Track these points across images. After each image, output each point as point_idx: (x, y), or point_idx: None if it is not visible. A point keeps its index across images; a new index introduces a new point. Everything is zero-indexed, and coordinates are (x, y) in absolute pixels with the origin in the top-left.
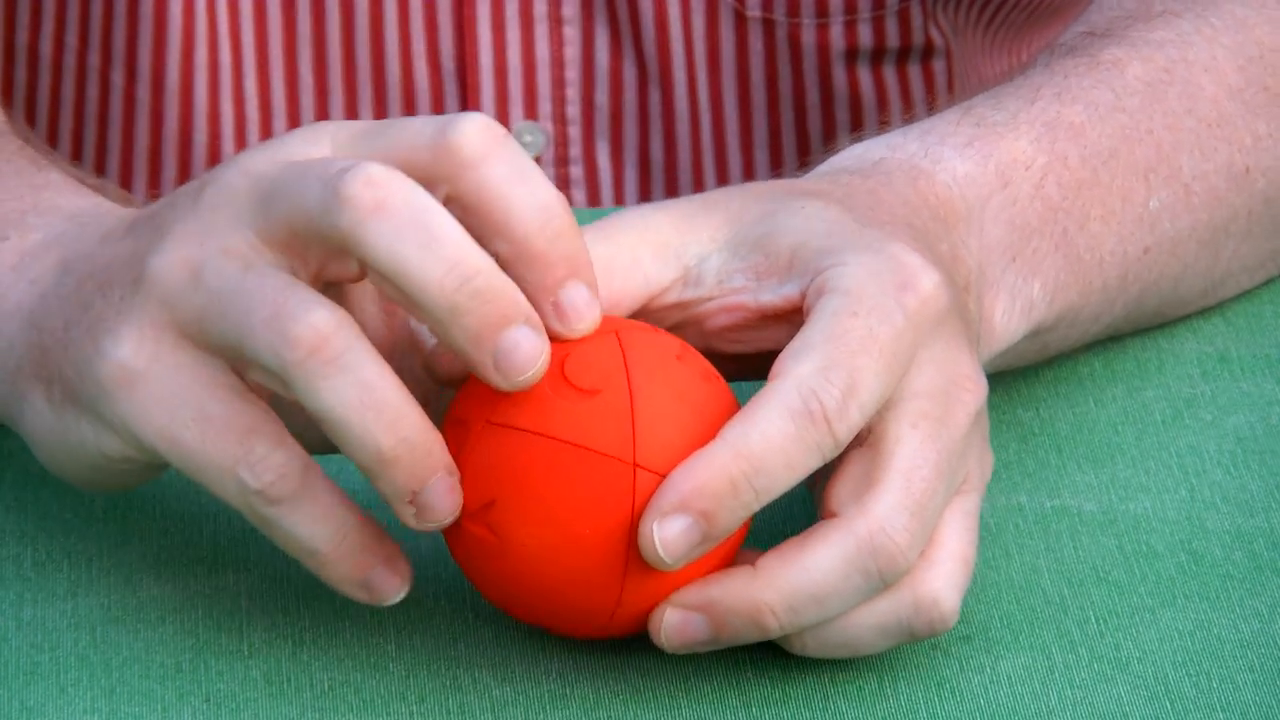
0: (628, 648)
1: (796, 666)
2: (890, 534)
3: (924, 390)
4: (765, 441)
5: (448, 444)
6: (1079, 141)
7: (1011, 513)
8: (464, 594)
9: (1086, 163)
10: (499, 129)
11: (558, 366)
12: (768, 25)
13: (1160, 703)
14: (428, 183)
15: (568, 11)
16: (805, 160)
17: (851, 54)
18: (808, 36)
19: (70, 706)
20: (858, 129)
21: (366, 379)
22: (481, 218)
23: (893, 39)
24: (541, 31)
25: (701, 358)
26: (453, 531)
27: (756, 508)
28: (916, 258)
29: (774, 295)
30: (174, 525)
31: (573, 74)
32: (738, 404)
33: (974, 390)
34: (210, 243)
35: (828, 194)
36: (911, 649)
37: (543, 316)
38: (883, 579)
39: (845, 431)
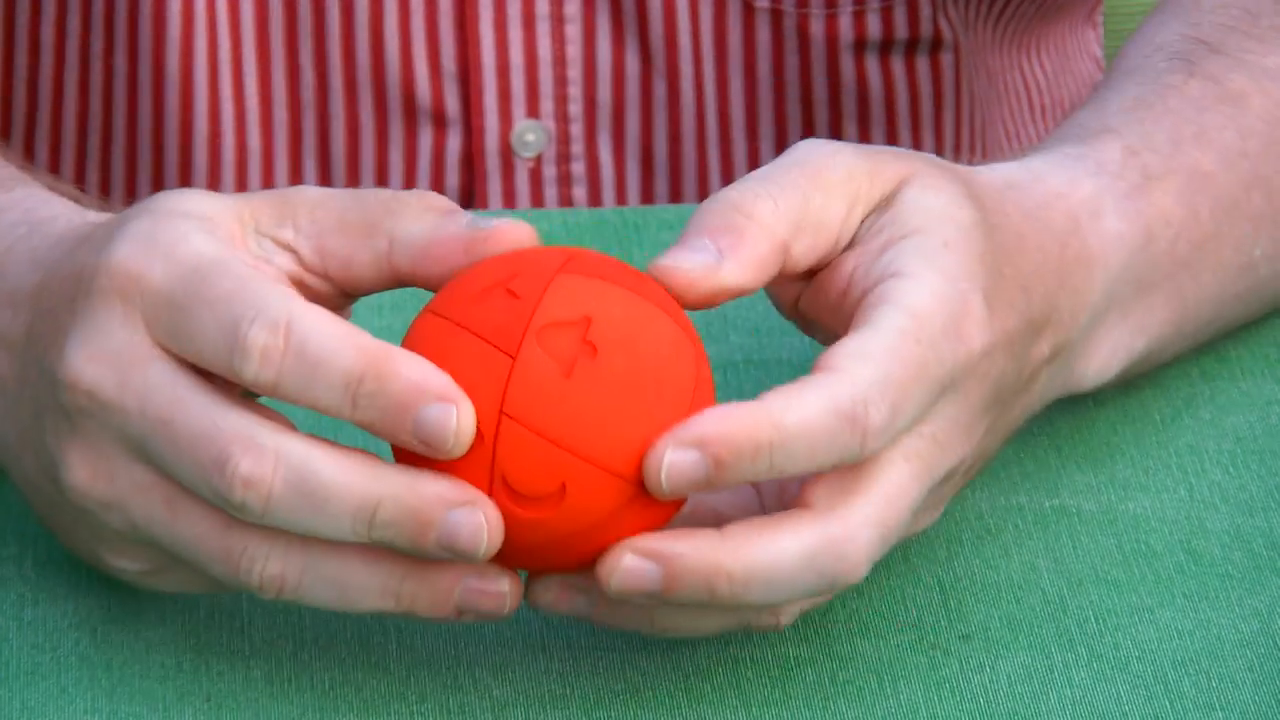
0: (628, 648)
1: (796, 666)
2: (856, 545)
3: (929, 433)
4: (802, 424)
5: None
6: (1210, 192)
7: (1011, 512)
8: None
9: (1213, 215)
10: (278, 337)
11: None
12: (776, 16)
13: (1159, 702)
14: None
15: (570, 10)
16: None
17: (860, 46)
18: (816, 27)
19: (71, 706)
20: (864, 123)
21: (338, 579)
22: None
23: (901, 30)
24: (544, 30)
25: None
26: None
27: (761, 478)
28: (982, 312)
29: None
30: None
31: (575, 72)
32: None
33: (964, 455)
34: (118, 478)
35: (980, 206)
36: (911, 649)
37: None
38: (832, 585)
39: (874, 448)
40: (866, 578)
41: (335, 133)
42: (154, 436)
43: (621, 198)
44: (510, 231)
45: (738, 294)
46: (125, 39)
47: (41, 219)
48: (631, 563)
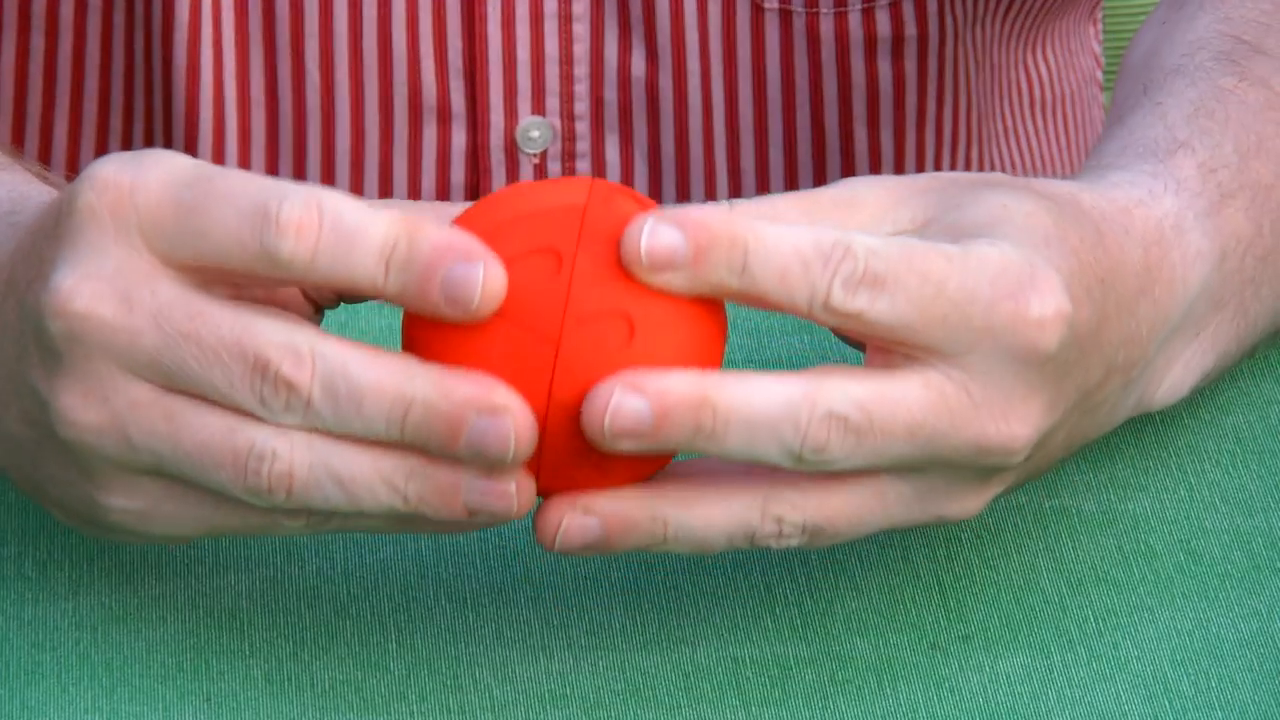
0: (628, 648)
1: (796, 666)
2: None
3: (961, 380)
4: (780, 246)
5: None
6: (1271, 204)
7: (1010, 512)
8: (464, 594)
9: (1274, 229)
10: (313, 211)
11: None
12: (785, 16)
13: (1159, 702)
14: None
15: (578, 8)
16: (820, 154)
17: (870, 44)
18: (825, 26)
19: (71, 706)
20: (874, 122)
21: (343, 474)
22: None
23: (910, 26)
24: (551, 28)
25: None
26: None
27: (732, 281)
28: (1054, 282)
29: None
30: None
31: (581, 70)
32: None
33: (1017, 434)
34: (115, 400)
35: (1057, 221)
36: (911, 649)
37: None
38: (803, 443)
39: (840, 294)
40: (866, 577)
41: (340, 127)
42: (174, 352)
43: None
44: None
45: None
46: (133, 31)
47: (26, 195)
48: (621, 398)
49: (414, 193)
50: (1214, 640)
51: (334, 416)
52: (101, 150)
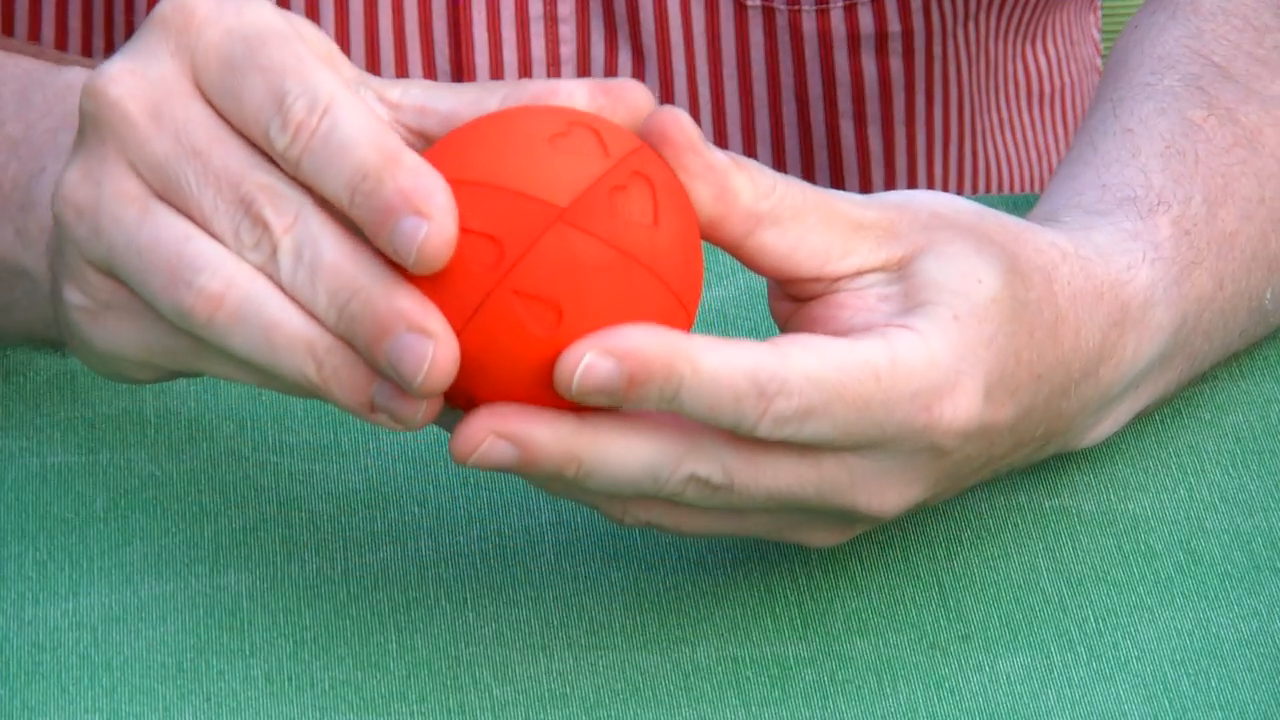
0: (628, 647)
1: (796, 666)
2: (690, 501)
3: (850, 463)
4: (716, 373)
5: (486, 209)
6: (1234, 255)
7: (1010, 512)
8: (464, 594)
9: (1234, 278)
10: (314, 116)
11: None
12: (768, 14)
13: (1159, 701)
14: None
15: (563, 10)
16: (807, 151)
17: (853, 40)
18: (808, 23)
19: (71, 706)
20: (860, 118)
21: (271, 320)
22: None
23: (893, 23)
24: (537, 30)
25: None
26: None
27: (663, 409)
28: (973, 399)
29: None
30: (175, 525)
31: (569, 72)
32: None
33: (875, 506)
34: (105, 185)
35: (1021, 282)
36: (910, 648)
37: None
38: (738, 422)
39: (766, 432)
40: (866, 577)
41: None
42: (180, 164)
43: None
44: (631, 91)
45: (709, 178)
46: (124, 38)
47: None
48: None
49: None
50: (1214, 640)
51: (290, 272)
52: None
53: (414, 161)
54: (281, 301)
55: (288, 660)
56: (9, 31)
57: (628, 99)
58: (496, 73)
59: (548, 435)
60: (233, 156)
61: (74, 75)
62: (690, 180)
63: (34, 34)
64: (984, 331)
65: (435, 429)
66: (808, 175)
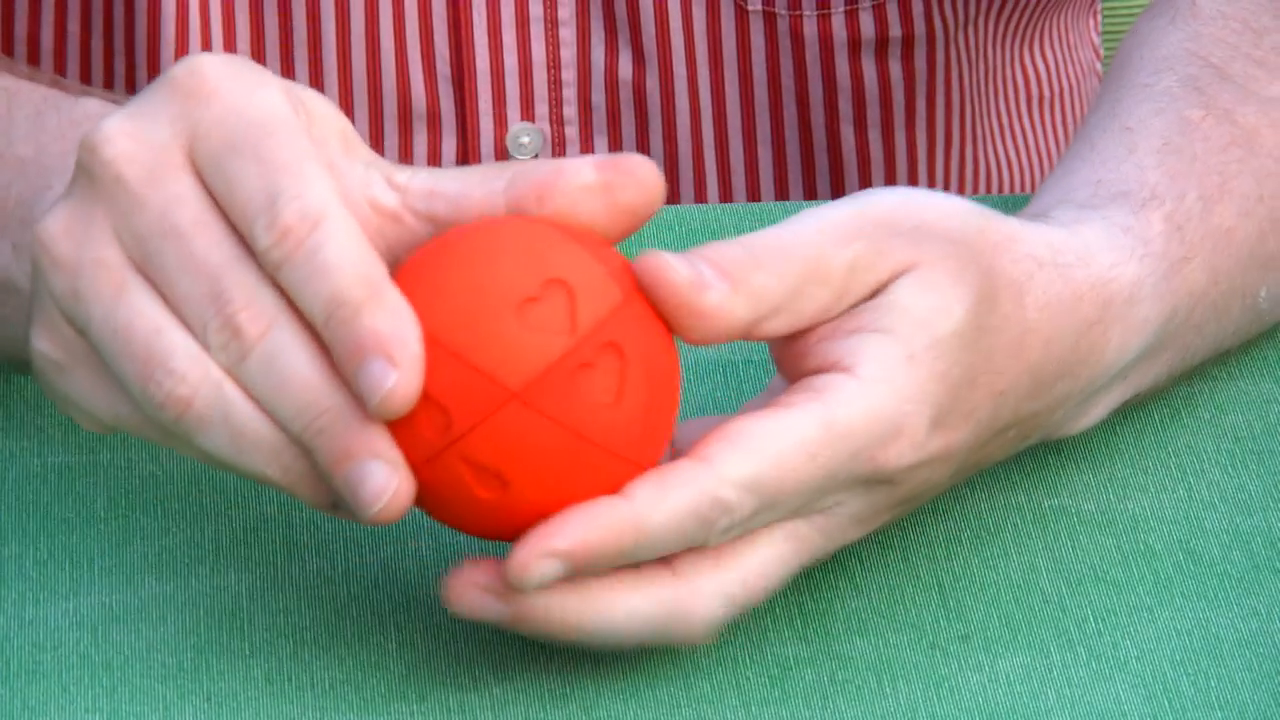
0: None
1: (796, 666)
2: (700, 614)
3: (821, 523)
4: (663, 526)
5: (447, 373)
6: (1230, 251)
7: (1010, 512)
8: None
9: (1230, 274)
10: (305, 221)
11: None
12: (769, 18)
13: (1158, 701)
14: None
15: (564, 13)
16: (808, 155)
17: (854, 45)
18: (809, 28)
19: (72, 705)
20: (861, 123)
21: (237, 427)
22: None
23: (894, 28)
24: (537, 33)
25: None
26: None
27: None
28: (920, 435)
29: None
30: (175, 524)
31: (569, 75)
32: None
33: (852, 539)
34: (86, 250)
35: (983, 298)
36: (910, 648)
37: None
38: (669, 643)
39: (721, 541)
40: (866, 577)
41: None
42: (162, 241)
43: None
44: (640, 168)
45: (703, 323)
46: (123, 44)
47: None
48: (477, 599)
49: None
50: (1214, 640)
51: (259, 381)
52: None
53: (395, 302)
54: (248, 409)
55: (288, 660)
56: (9, 35)
57: (637, 175)
58: (497, 76)
59: (540, 596)
60: (214, 247)
61: (92, 106)
62: (683, 329)
63: (34, 36)
64: (937, 368)
65: None
66: (808, 179)
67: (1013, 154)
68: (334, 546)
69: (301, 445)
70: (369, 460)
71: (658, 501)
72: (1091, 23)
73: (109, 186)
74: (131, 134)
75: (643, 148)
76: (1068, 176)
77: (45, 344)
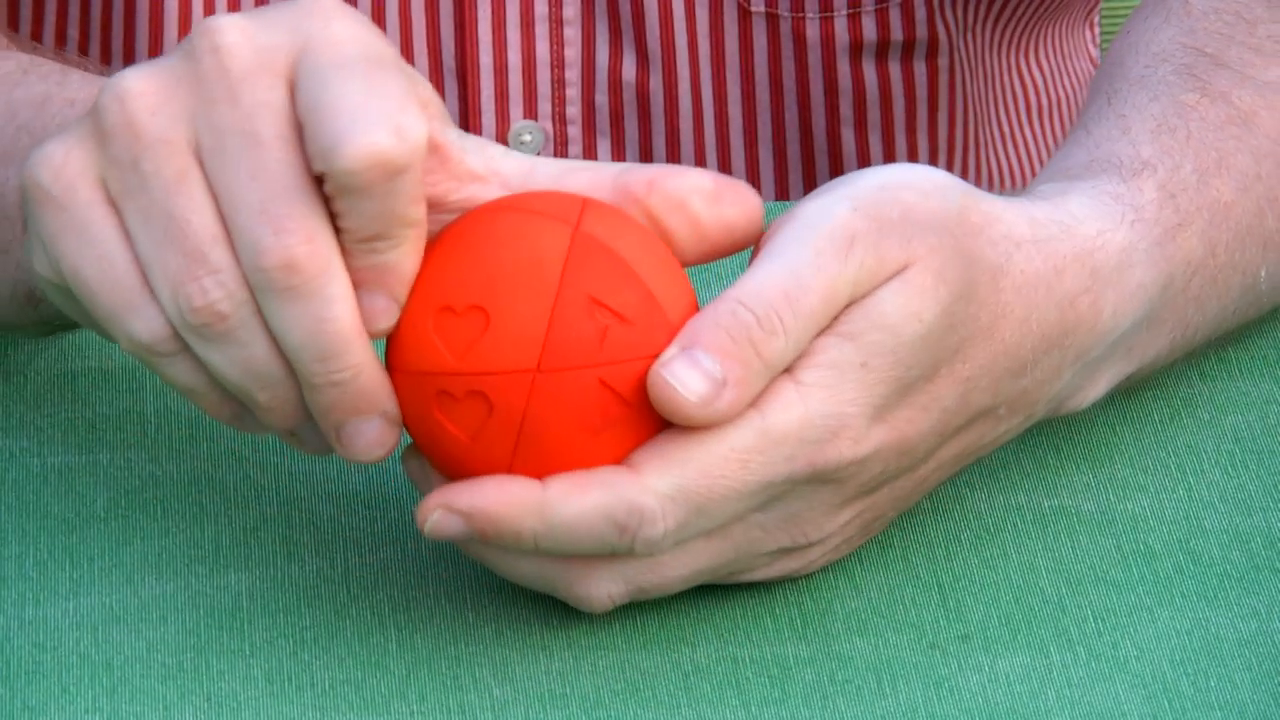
0: (628, 647)
1: (796, 666)
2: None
3: (776, 515)
4: (571, 523)
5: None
6: (1228, 224)
7: (1009, 512)
8: (464, 594)
9: (1228, 248)
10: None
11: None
12: (772, 20)
13: (1158, 701)
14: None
15: (569, 12)
16: (809, 157)
17: (856, 48)
18: (812, 30)
19: (72, 705)
20: (862, 126)
21: (253, 350)
22: None
23: (897, 32)
24: (542, 31)
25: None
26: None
27: (533, 553)
28: (860, 429)
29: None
30: (175, 525)
31: (573, 74)
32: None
33: (826, 532)
34: (160, 116)
35: (967, 293)
36: (910, 648)
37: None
38: (633, 543)
39: (648, 553)
40: (866, 577)
41: None
42: (239, 141)
43: None
44: (752, 201)
45: (721, 419)
46: (121, 50)
47: None
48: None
49: None
50: (1213, 640)
51: (293, 318)
52: None
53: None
54: (265, 336)
55: (288, 660)
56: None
57: (747, 197)
58: (500, 73)
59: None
60: (287, 167)
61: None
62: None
63: (35, 36)
64: (889, 374)
65: None
66: (808, 180)
67: (1013, 161)
68: (334, 546)
69: (305, 384)
70: (374, 417)
71: (570, 495)
72: (1088, 34)
73: (208, 72)
74: (245, 29)
75: (645, 148)
76: (1064, 159)
77: (46, 269)
